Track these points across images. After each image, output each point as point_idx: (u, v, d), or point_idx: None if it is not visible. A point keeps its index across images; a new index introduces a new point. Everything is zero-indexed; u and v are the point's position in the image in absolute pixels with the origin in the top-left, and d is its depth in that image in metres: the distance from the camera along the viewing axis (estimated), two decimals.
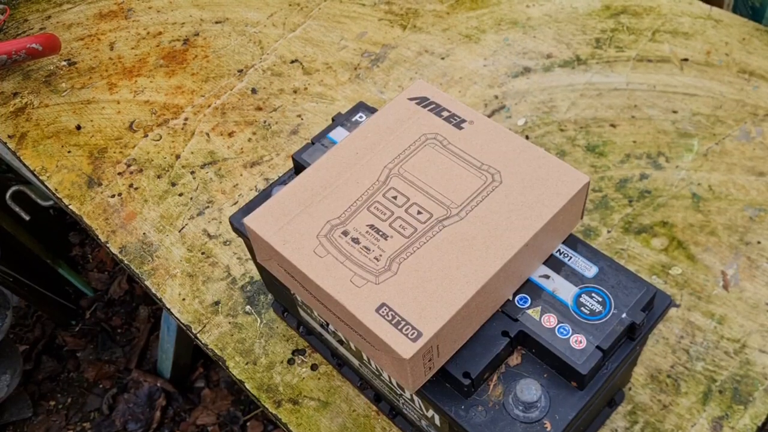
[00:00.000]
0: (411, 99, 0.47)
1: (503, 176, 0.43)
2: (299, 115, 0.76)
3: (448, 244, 0.40)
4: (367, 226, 0.42)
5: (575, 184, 0.42)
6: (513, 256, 0.39)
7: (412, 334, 0.37)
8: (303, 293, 0.43)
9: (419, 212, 0.42)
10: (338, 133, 0.52)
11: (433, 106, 0.47)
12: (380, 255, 0.40)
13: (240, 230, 0.49)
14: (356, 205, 0.43)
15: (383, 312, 0.38)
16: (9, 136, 0.77)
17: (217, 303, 0.62)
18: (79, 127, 0.77)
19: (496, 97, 0.74)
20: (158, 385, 1.20)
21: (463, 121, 0.46)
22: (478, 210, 0.41)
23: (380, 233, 0.41)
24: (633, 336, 0.41)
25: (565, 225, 0.43)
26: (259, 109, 0.77)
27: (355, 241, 0.41)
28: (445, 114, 0.46)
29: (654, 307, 0.42)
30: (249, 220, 0.43)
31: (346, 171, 0.44)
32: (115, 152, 0.74)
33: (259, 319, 0.60)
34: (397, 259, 0.40)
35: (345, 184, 0.44)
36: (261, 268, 0.53)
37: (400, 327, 0.37)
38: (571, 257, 0.43)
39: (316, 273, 0.40)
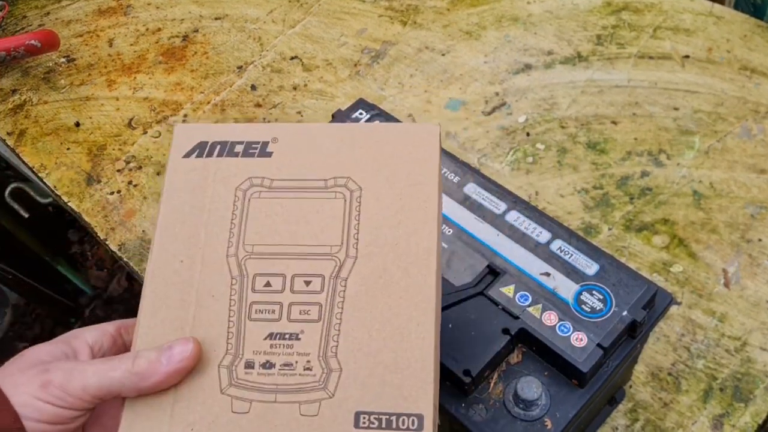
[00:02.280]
0: (187, 155, 0.37)
1: (356, 179, 0.36)
2: (299, 112, 0.75)
3: (364, 296, 0.33)
4: (266, 338, 0.33)
5: (430, 138, 0.36)
6: (436, 259, 0.34)
7: (413, 424, 0.31)
8: None
9: (307, 282, 0.34)
10: None
11: (218, 147, 0.37)
12: (308, 361, 0.32)
13: None
14: (232, 323, 0.33)
15: (365, 422, 0.31)
16: (8, 133, 0.77)
17: None
18: (78, 124, 0.77)
19: (497, 93, 0.74)
20: None
21: (265, 144, 0.37)
22: (363, 235, 0.34)
23: (286, 336, 0.33)
24: (634, 334, 0.41)
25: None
26: (259, 105, 0.77)
27: (268, 365, 0.32)
28: (239, 149, 0.37)
29: (655, 305, 0.42)
30: (129, 430, 0.32)
31: (186, 291, 0.34)
32: (114, 149, 0.74)
33: None
34: (329, 351, 0.32)
35: (199, 308, 0.34)
36: None
37: (395, 425, 0.31)
38: (571, 255, 0.43)
39: None
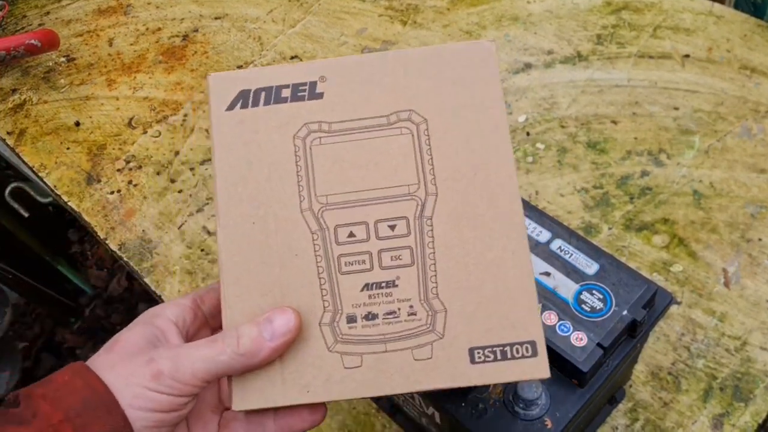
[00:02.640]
0: (230, 108, 0.34)
1: (419, 110, 0.34)
2: None
3: (453, 233, 0.32)
4: (362, 289, 0.32)
5: (487, 56, 0.34)
6: (514, 175, 0.33)
7: (527, 350, 0.31)
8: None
9: (392, 227, 0.33)
10: None
11: (263, 94, 0.35)
12: (410, 306, 0.32)
13: None
14: (323, 280, 0.32)
15: (480, 357, 0.31)
16: (8, 133, 0.77)
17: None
18: (78, 124, 0.77)
19: None
20: None
21: (313, 84, 0.34)
22: (439, 170, 0.33)
23: (383, 285, 0.32)
24: (634, 333, 0.41)
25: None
26: None
27: (370, 317, 0.32)
28: (286, 93, 0.34)
29: (655, 304, 0.42)
30: (243, 402, 0.32)
31: (266, 254, 0.33)
32: (114, 149, 0.74)
33: None
34: (430, 293, 0.32)
35: (284, 269, 0.32)
36: None
37: (510, 355, 0.31)
38: (571, 254, 0.43)
39: (373, 387, 0.31)
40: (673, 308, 0.57)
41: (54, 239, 1.35)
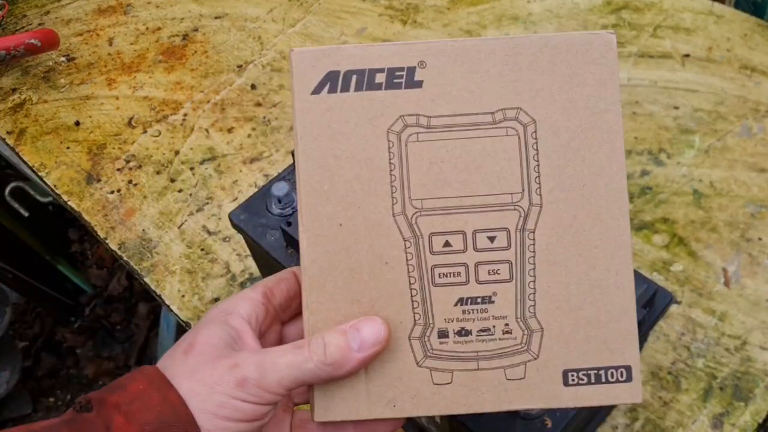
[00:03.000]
0: (316, 91, 0.31)
1: (528, 109, 0.31)
2: None
3: (556, 248, 0.30)
4: (456, 304, 0.30)
5: (607, 52, 0.30)
6: (625, 189, 0.30)
7: (621, 375, 0.30)
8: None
9: (491, 238, 0.30)
10: None
11: (354, 78, 0.31)
12: (506, 324, 0.30)
13: (239, 226, 0.49)
14: (415, 291, 0.30)
15: (573, 379, 0.30)
16: (8, 132, 0.77)
17: (216, 299, 0.61)
18: (78, 123, 0.77)
19: None
20: None
21: (412, 70, 0.31)
22: (546, 179, 0.30)
23: (478, 300, 0.30)
24: None
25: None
26: (259, 104, 0.77)
27: (463, 333, 0.30)
28: (380, 79, 0.31)
29: (655, 304, 0.42)
30: (326, 413, 0.31)
31: (354, 259, 0.31)
32: (114, 148, 0.74)
33: None
34: (527, 312, 0.30)
35: (373, 278, 0.31)
36: (260, 264, 0.47)
37: (604, 379, 0.30)
38: None
39: (463, 405, 0.30)
40: (673, 308, 0.57)
41: (54, 239, 1.35)
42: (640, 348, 0.48)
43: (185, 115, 0.76)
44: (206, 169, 0.71)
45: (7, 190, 1.03)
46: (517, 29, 0.80)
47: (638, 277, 0.42)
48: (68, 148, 0.75)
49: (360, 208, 0.31)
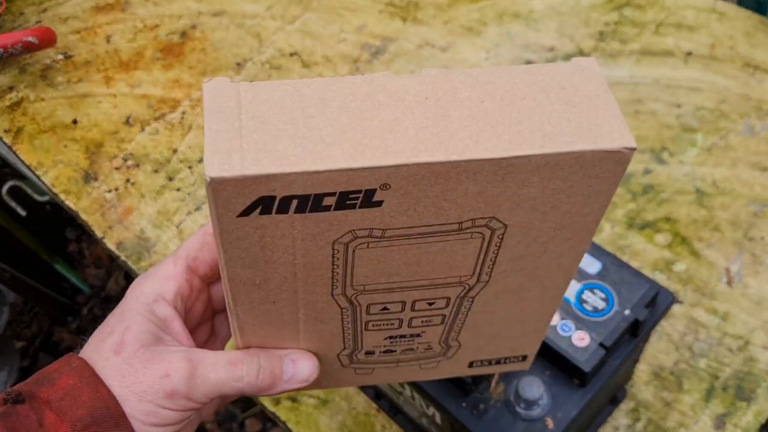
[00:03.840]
0: (244, 215, 0.23)
1: (501, 216, 0.26)
2: None
3: (493, 304, 0.31)
4: (386, 339, 0.32)
5: (619, 159, 0.24)
6: (574, 267, 0.30)
7: (518, 360, 0.37)
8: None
9: (430, 303, 0.30)
10: None
11: (296, 201, 0.23)
12: (428, 346, 0.34)
13: None
14: (348, 334, 0.31)
15: (477, 365, 0.36)
16: (5, 131, 0.76)
17: None
18: (75, 122, 0.76)
19: None
20: None
21: (372, 191, 0.23)
22: (500, 263, 0.28)
23: (407, 336, 0.32)
24: (636, 333, 0.40)
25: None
26: None
27: (388, 352, 0.33)
28: (330, 201, 0.23)
29: (657, 303, 0.41)
30: None
31: (289, 318, 0.30)
32: (111, 147, 0.73)
33: None
34: (450, 338, 0.33)
35: (305, 324, 0.30)
36: None
37: (503, 363, 0.37)
38: None
39: (380, 380, 0.36)
40: (676, 307, 0.56)
41: (51, 238, 1.34)
42: (642, 348, 0.48)
43: (183, 113, 0.76)
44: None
45: (4, 189, 1.02)
46: (519, 26, 0.79)
47: (640, 276, 0.41)
48: (65, 146, 0.74)
49: (296, 292, 0.28)
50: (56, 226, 1.39)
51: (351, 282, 0.28)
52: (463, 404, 0.39)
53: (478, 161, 0.23)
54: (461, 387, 0.39)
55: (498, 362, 0.36)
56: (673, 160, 0.66)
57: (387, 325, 0.31)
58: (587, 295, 0.41)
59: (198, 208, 0.68)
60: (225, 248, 0.25)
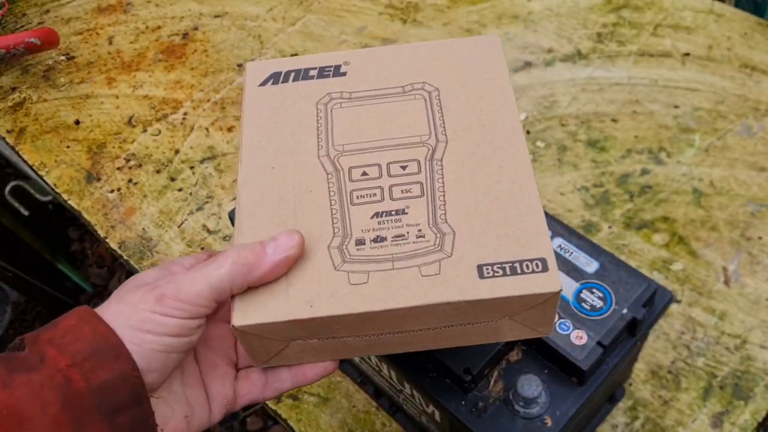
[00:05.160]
0: (262, 84, 0.39)
1: (432, 82, 0.38)
2: None
3: (462, 170, 0.34)
4: (372, 217, 0.33)
5: (492, 44, 0.39)
6: (520, 129, 0.35)
7: (537, 266, 0.30)
8: (369, 342, 0.33)
9: (403, 167, 0.34)
10: None
11: (293, 74, 0.39)
12: (419, 230, 0.32)
13: None
14: (336, 210, 0.33)
15: (488, 272, 0.30)
16: (8, 131, 0.77)
17: None
18: (77, 122, 0.77)
19: None
20: None
21: (338, 66, 0.39)
22: (449, 123, 0.36)
23: (392, 213, 0.33)
24: (634, 332, 0.41)
25: None
26: None
27: (379, 239, 0.32)
28: (313, 73, 0.39)
29: (655, 302, 0.42)
30: (244, 317, 0.31)
31: (282, 190, 0.34)
32: (114, 147, 0.74)
33: None
34: (439, 219, 0.32)
35: (298, 203, 0.34)
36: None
37: (519, 270, 0.30)
38: (571, 252, 0.43)
39: (379, 300, 0.30)
40: (673, 306, 0.57)
41: (54, 237, 1.35)
42: (640, 347, 0.48)
43: (185, 113, 0.76)
44: (206, 168, 0.71)
45: (7, 189, 1.03)
46: (518, 28, 0.80)
47: (638, 275, 0.42)
48: (68, 147, 0.75)
49: (291, 154, 0.36)
50: (59, 225, 1.39)
51: (332, 141, 0.36)
52: (463, 402, 0.39)
53: (399, 46, 0.40)
54: (460, 385, 0.39)
55: (513, 270, 0.31)
56: (670, 160, 0.66)
57: (370, 195, 0.34)
58: (585, 294, 0.41)
59: (200, 208, 0.68)
60: (248, 108, 0.38)
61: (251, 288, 0.31)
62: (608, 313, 0.40)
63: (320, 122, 0.37)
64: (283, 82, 0.39)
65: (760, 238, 0.60)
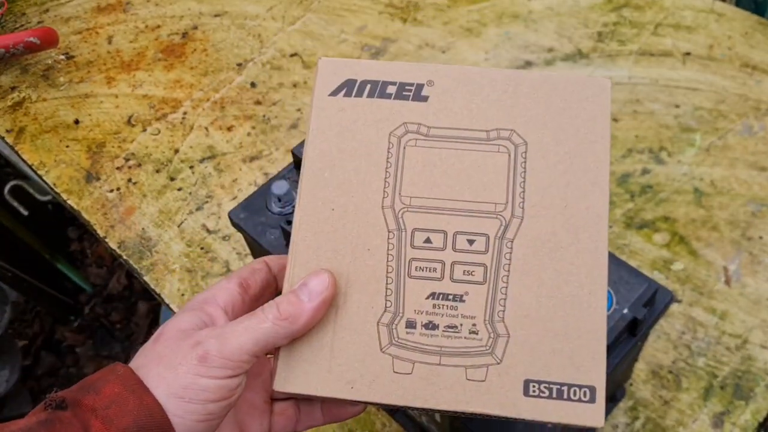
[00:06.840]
0: (333, 93, 0.34)
1: (521, 132, 0.33)
2: (299, 109, 0.75)
3: (532, 260, 0.31)
4: (428, 297, 0.31)
5: (601, 92, 0.33)
6: (606, 215, 0.32)
7: (585, 395, 0.29)
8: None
9: (471, 241, 0.32)
10: None
11: (368, 87, 0.34)
12: (473, 324, 0.31)
13: (239, 225, 0.49)
14: (391, 279, 0.32)
15: (534, 390, 0.29)
16: (7, 131, 0.76)
17: None
18: (77, 122, 0.77)
19: None
20: None
21: (420, 86, 0.34)
22: (530, 195, 0.32)
23: (450, 297, 0.31)
24: (634, 332, 0.41)
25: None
26: (259, 103, 0.76)
27: (431, 326, 0.31)
28: (391, 90, 0.34)
29: (655, 302, 0.42)
30: (286, 383, 0.31)
31: (339, 242, 0.32)
32: (113, 147, 0.74)
33: None
34: (496, 316, 0.31)
35: (354, 261, 0.32)
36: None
37: (566, 395, 0.29)
38: None
39: (420, 398, 0.30)
40: (674, 306, 0.57)
41: (53, 237, 1.34)
42: (641, 347, 0.48)
43: (185, 113, 0.76)
44: (206, 167, 0.71)
45: (6, 189, 1.02)
46: (518, 27, 0.80)
47: (638, 275, 0.41)
48: (67, 146, 0.74)
49: (353, 196, 0.33)
50: (58, 225, 1.39)
51: (400, 190, 0.33)
52: None
53: (494, 70, 0.34)
54: None
55: (560, 393, 0.30)
56: (671, 160, 0.66)
57: (430, 270, 0.32)
58: None
59: (199, 208, 0.68)
60: (316, 122, 0.34)
61: (294, 339, 0.31)
62: (609, 313, 0.40)
63: (390, 160, 0.33)
64: (356, 96, 0.34)
65: (760, 237, 0.60)
